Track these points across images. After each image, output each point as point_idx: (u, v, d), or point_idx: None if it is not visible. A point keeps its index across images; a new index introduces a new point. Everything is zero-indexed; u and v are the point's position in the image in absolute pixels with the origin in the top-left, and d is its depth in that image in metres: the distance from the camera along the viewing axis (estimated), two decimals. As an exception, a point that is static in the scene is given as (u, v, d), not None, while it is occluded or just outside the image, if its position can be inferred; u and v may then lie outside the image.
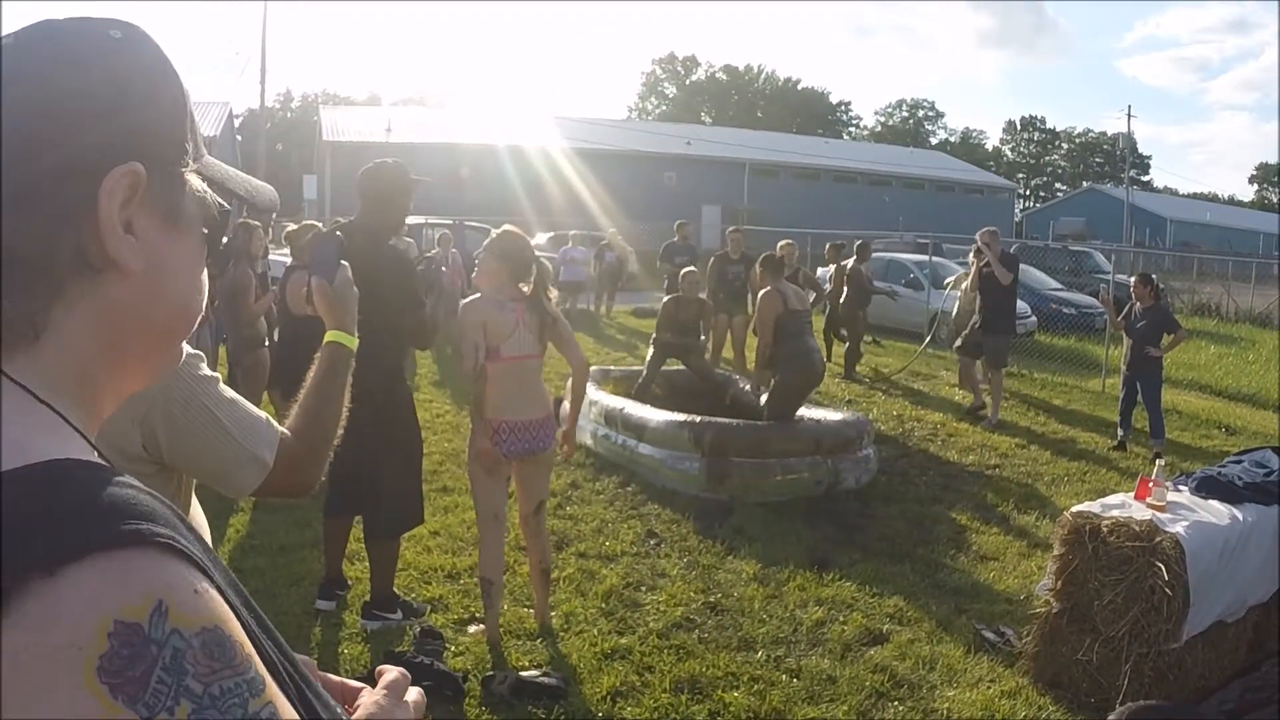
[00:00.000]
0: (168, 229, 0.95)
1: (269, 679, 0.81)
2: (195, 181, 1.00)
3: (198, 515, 2.27)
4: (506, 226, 5.85)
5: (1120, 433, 11.65)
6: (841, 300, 16.09)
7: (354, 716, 1.15)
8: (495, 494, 5.68)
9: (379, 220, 5.58)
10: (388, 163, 5.78)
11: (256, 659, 0.81)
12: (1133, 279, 11.93)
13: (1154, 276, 11.98)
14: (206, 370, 2.15)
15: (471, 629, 5.92)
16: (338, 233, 2.58)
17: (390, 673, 1.27)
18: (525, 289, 5.57)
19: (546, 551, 5.99)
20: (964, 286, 13.56)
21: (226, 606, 0.80)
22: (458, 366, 5.75)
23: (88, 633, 0.71)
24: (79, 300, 0.88)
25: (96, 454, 0.87)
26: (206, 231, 1.02)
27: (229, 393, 2.17)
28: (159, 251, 0.94)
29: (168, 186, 0.95)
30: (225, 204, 1.06)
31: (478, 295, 5.60)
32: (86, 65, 0.90)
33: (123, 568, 0.74)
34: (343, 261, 2.40)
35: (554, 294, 5.79)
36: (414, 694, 1.26)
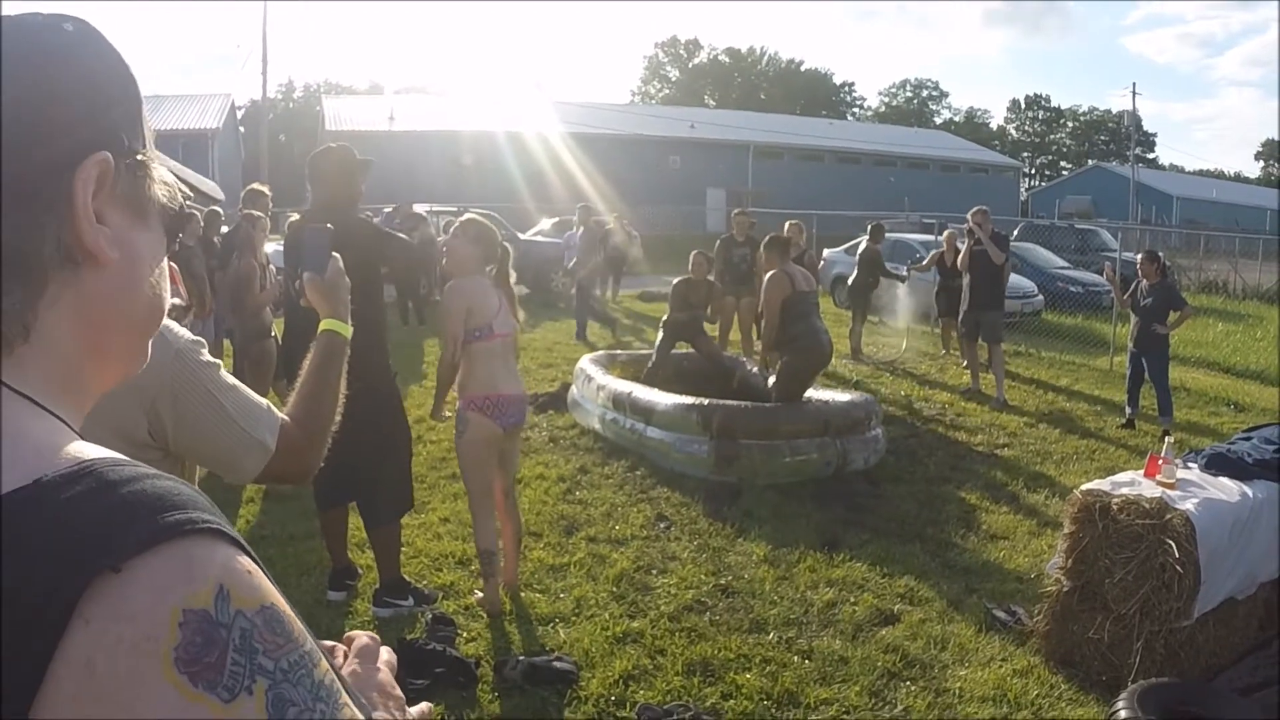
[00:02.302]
0: (136, 220, 0.95)
1: (319, 650, 0.84)
2: (161, 172, 1.00)
3: None
4: (470, 214, 6.12)
5: (1129, 411, 11.67)
6: (850, 281, 16.11)
7: None
8: (490, 469, 5.92)
9: (333, 202, 5.63)
10: (333, 146, 5.94)
11: (307, 633, 0.83)
12: (1139, 256, 11.96)
13: (1160, 254, 11.96)
14: (208, 357, 2.17)
15: (474, 596, 6.09)
16: (328, 225, 2.58)
17: (360, 638, 1.29)
18: (492, 271, 5.87)
19: (520, 524, 6.44)
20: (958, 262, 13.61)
21: (272, 584, 0.82)
22: (441, 354, 5.91)
23: (161, 624, 0.72)
24: (61, 296, 0.88)
25: None
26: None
27: (230, 379, 2.19)
28: (131, 242, 0.94)
29: (133, 176, 0.94)
30: (189, 193, 1.05)
31: (459, 280, 5.78)
32: (53, 59, 0.89)
33: (184, 557, 0.75)
34: (334, 253, 2.41)
35: (513, 275, 6.05)
36: (385, 655, 1.30)
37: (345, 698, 0.85)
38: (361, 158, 5.86)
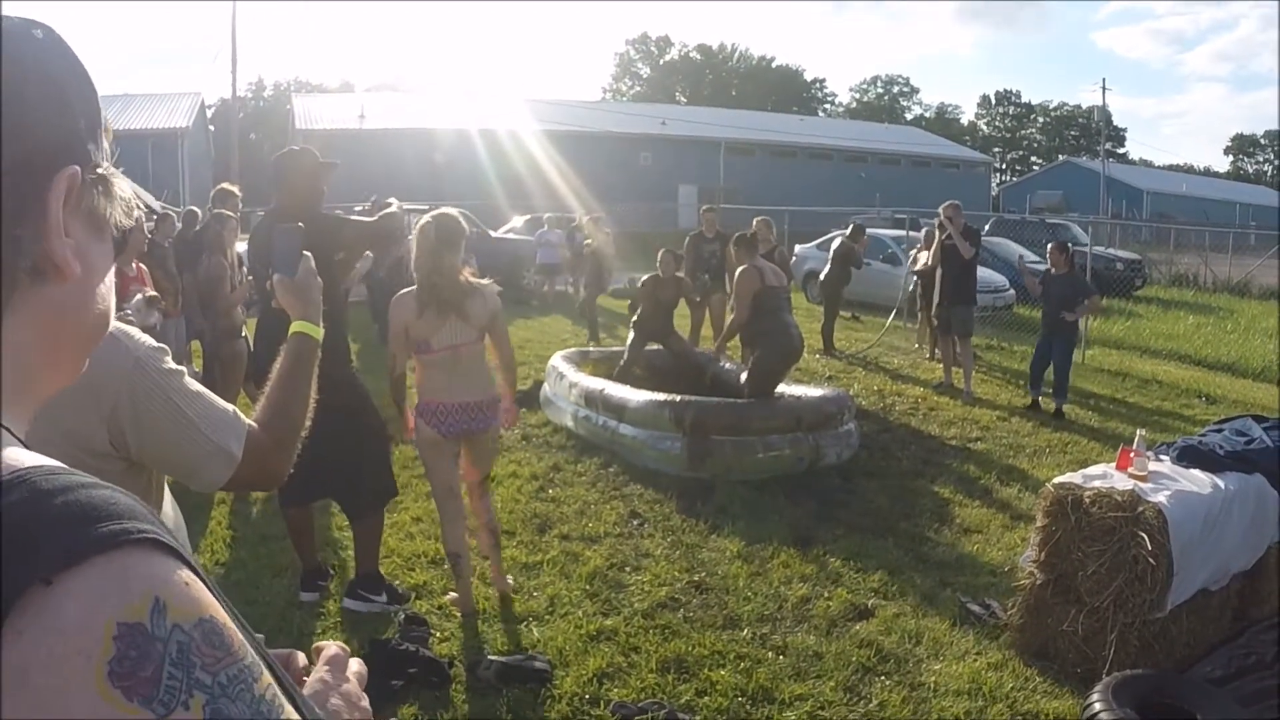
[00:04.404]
0: (93, 233, 0.94)
1: (262, 663, 0.82)
2: (120, 184, 0.98)
3: (171, 510, 2.24)
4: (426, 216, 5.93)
5: (1032, 391, 12.09)
6: (823, 275, 16.15)
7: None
8: (445, 471, 5.87)
9: (296, 201, 5.64)
10: (296, 148, 6.00)
11: (248, 644, 0.81)
12: (1049, 246, 12.42)
13: (1070, 245, 12.50)
14: (172, 364, 2.12)
15: (447, 596, 6.05)
16: (299, 224, 2.55)
17: (329, 648, 1.27)
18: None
19: (493, 515, 6.22)
20: (924, 260, 13.73)
21: (212, 595, 0.80)
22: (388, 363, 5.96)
23: (94, 638, 0.70)
24: (23, 306, 0.87)
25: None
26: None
27: (195, 385, 2.14)
28: (89, 254, 0.93)
29: (94, 189, 0.93)
30: (144, 207, 1.03)
31: (398, 295, 5.75)
32: (25, 66, 0.87)
33: (118, 569, 0.73)
34: (305, 253, 2.38)
35: (474, 276, 5.79)
36: (354, 665, 1.29)
37: (289, 711, 0.83)
38: (324, 160, 5.87)
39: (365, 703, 1.23)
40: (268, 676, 0.81)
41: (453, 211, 5.79)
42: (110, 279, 1.00)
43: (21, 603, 0.69)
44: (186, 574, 0.78)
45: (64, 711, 0.69)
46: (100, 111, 0.96)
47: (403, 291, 5.72)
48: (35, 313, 0.88)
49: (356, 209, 19.29)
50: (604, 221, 19.80)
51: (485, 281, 5.78)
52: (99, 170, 0.93)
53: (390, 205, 6.79)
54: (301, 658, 1.26)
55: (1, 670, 0.68)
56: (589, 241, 18.66)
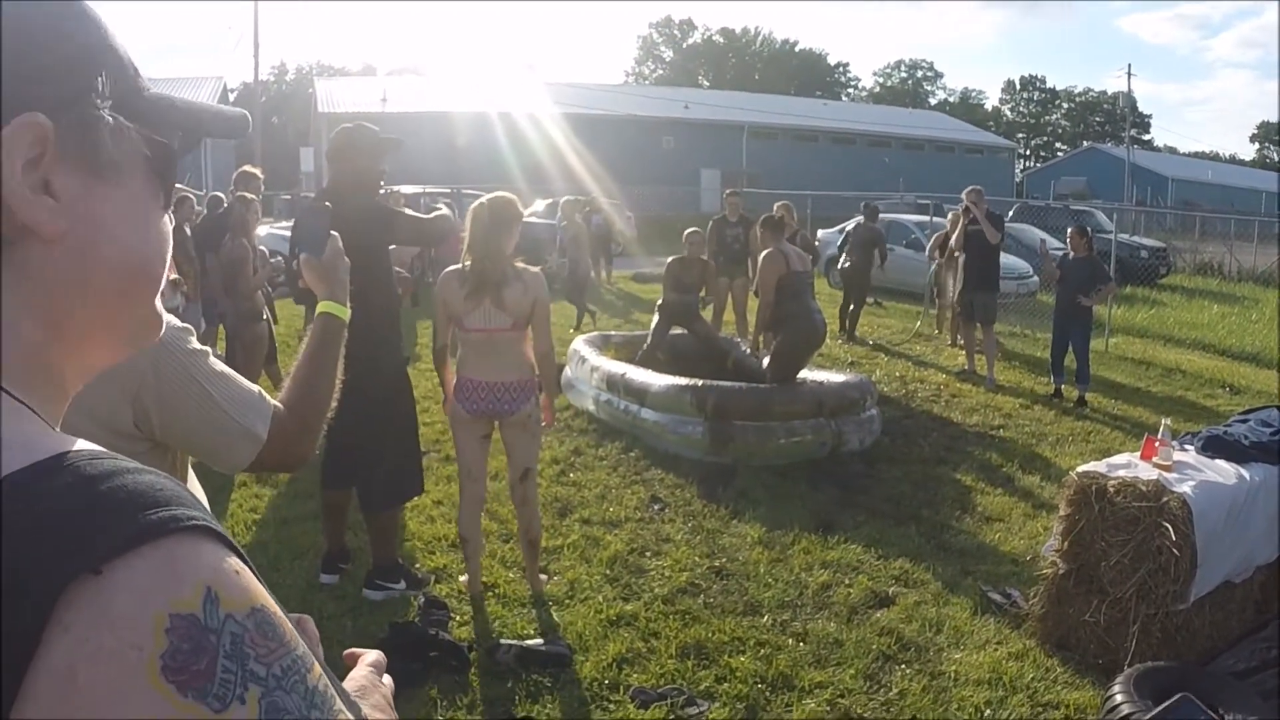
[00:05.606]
0: (93, 180, 0.83)
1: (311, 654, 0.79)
2: (121, 121, 0.86)
3: (195, 490, 2.23)
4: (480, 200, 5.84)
5: (1055, 379, 12.05)
6: (844, 263, 16.08)
7: (346, 686, 1.14)
8: (469, 451, 5.82)
9: (351, 182, 5.59)
10: (352, 126, 5.81)
11: (298, 634, 0.78)
12: (1069, 230, 12.37)
13: (1089, 229, 12.42)
14: (196, 344, 2.11)
15: (464, 579, 6.04)
16: (326, 204, 2.55)
17: (371, 653, 1.29)
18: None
19: (534, 521, 5.98)
20: (952, 242, 13.64)
21: (261, 584, 0.77)
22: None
23: (146, 631, 0.67)
24: (4, 280, 0.79)
25: None
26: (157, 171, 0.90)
27: (220, 366, 2.13)
28: (87, 207, 0.83)
29: (82, 132, 0.82)
30: (163, 140, 0.93)
31: (443, 273, 5.76)
32: None
33: (168, 558, 0.70)
34: (332, 232, 2.37)
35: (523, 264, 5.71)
36: (388, 679, 1.30)
37: (339, 704, 0.80)
38: (387, 136, 5.79)
39: (393, 713, 1.24)
40: (318, 668, 0.79)
41: (508, 195, 5.72)
42: (148, 228, 0.90)
43: (68, 595, 0.66)
44: (236, 562, 0.75)
45: (117, 710, 0.65)
46: (98, 38, 0.85)
47: (449, 268, 5.70)
48: (23, 285, 0.80)
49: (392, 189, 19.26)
50: (586, 206, 19.63)
51: (533, 269, 5.68)
52: (92, 110, 0.83)
53: (440, 208, 6.70)
54: (312, 623, 1.24)
55: (48, 666, 0.65)
56: (564, 224, 18.67)
